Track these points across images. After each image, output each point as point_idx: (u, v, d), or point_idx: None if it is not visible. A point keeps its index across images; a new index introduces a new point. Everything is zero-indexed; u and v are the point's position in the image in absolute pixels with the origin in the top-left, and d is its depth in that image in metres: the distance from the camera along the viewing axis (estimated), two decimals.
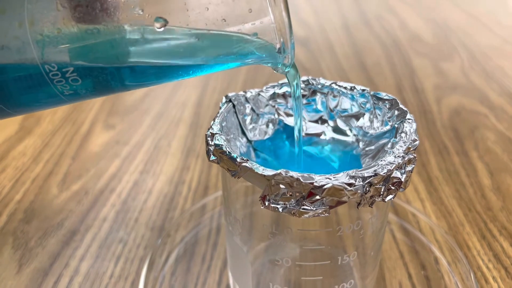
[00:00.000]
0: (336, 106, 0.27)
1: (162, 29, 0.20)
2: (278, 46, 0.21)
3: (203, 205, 0.37)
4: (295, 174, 0.19)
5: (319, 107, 0.28)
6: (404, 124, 0.23)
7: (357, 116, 0.27)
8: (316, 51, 0.68)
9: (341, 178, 0.20)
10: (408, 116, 0.24)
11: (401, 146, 0.22)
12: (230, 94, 0.26)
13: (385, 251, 0.33)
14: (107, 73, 0.22)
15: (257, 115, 0.28)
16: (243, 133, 0.27)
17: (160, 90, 0.57)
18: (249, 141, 0.27)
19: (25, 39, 0.20)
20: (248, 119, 0.27)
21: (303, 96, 0.28)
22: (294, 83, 0.24)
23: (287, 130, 0.29)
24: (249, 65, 0.23)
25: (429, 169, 0.42)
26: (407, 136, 0.22)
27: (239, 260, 0.27)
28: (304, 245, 0.25)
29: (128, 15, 0.20)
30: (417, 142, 0.22)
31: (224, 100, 0.26)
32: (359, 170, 0.20)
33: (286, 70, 0.23)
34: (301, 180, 0.19)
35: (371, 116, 0.26)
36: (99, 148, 0.45)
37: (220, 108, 0.26)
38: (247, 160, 0.21)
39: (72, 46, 0.21)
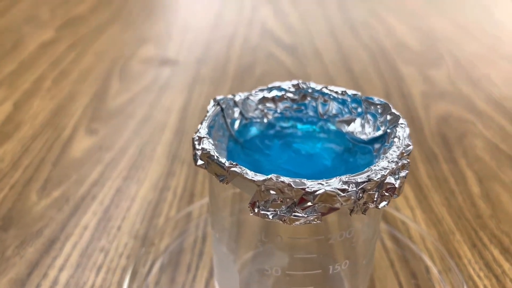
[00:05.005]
0: (326, 111, 0.27)
1: None
2: None
3: (189, 212, 0.36)
4: (286, 179, 0.19)
5: (310, 112, 0.27)
6: (397, 129, 0.23)
7: (348, 121, 0.26)
8: (303, 57, 0.68)
9: (334, 184, 0.19)
10: (401, 120, 0.23)
11: (394, 151, 0.21)
12: (218, 97, 0.25)
13: (375, 259, 0.32)
14: None
15: (246, 119, 0.27)
16: (231, 136, 0.26)
17: (145, 95, 0.56)
18: (237, 142, 0.26)
19: None
20: (236, 123, 0.26)
21: (293, 100, 0.27)
22: None
23: (277, 130, 0.28)
24: None
25: (418, 176, 0.41)
26: (400, 141, 0.22)
27: (226, 269, 0.26)
28: (294, 253, 0.24)
29: None
30: (410, 147, 0.22)
31: (212, 103, 0.25)
32: (352, 175, 0.19)
33: None
34: (293, 185, 0.19)
35: (363, 121, 0.25)
36: (81, 153, 0.44)
37: (208, 111, 0.25)
38: (236, 164, 0.20)
39: None
